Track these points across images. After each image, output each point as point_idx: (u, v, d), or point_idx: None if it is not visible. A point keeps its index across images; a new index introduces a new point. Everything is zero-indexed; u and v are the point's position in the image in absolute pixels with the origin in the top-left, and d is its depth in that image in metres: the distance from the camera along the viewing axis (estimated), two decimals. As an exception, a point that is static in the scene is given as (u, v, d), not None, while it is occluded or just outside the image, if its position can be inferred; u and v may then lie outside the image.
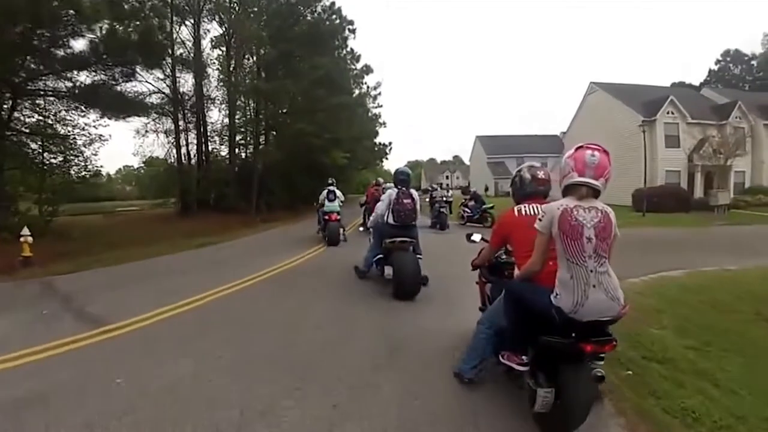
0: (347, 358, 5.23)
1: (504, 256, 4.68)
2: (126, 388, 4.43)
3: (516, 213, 3.99)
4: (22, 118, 18.92)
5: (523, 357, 3.57)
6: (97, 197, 48.97)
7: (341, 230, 15.50)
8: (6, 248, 11.93)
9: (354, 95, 33.59)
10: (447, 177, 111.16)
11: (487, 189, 48.86)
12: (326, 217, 15.20)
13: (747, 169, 36.33)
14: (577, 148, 3.24)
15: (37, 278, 9.98)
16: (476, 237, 5.66)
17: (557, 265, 3.17)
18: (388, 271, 7.96)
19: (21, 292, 8.83)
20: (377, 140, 55.62)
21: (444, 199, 21.04)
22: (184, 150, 29.71)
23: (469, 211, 21.64)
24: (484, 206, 21.15)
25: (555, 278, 3.16)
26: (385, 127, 54.30)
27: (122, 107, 21.25)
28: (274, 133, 32.30)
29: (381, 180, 20.14)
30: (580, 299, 2.99)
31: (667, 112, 34.83)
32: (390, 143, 60.96)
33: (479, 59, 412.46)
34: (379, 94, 41.51)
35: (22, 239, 11.62)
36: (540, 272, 3.38)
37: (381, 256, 8.43)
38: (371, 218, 9.23)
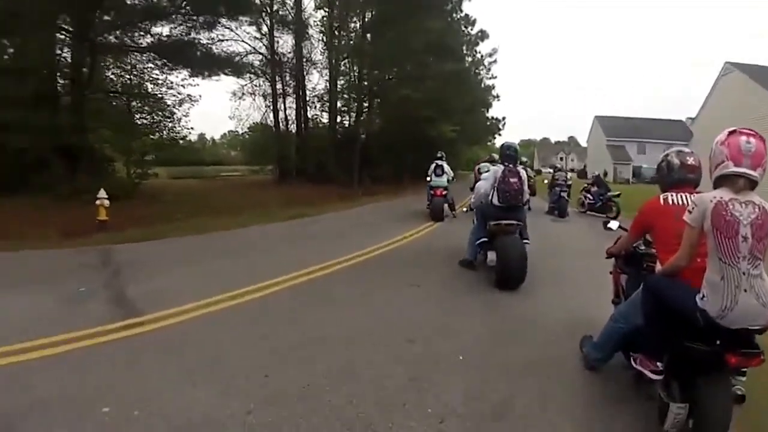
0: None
1: (643, 247, 4.23)
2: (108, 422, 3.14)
3: (662, 201, 3.60)
4: (110, 77, 18.42)
5: (658, 363, 3.23)
6: (202, 161, 50.13)
7: (447, 206, 14.79)
8: (89, 211, 11.12)
9: (467, 63, 30.60)
10: (561, 159, 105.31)
11: (606, 174, 44.49)
12: (432, 192, 14.67)
13: None
14: (730, 133, 2.88)
15: (101, 245, 9.08)
16: (613, 224, 5.15)
17: (705, 262, 2.84)
18: (491, 256, 7.33)
19: (75, 260, 7.90)
20: (489, 114, 51.84)
21: (566, 182, 18.44)
22: (282, 115, 28.69)
23: (591, 197, 18.77)
24: (609, 193, 18.18)
25: (702, 277, 2.83)
26: (498, 100, 50.22)
27: (210, 64, 20.13)
28: (378, 101, 30.40)
29: (495, 156, 18.05)
30: (729, 303, 2.66)
31: None
32: (504, 118, 55.38)
33: (602, 33, 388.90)
34: (494, 62, 37.84)
35: (98, 202, 10.83)
36: (686, 269, 3.03)
37: (485, 239, 7.64)
38: (473, 198, 8.74)
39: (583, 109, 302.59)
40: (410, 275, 7.53)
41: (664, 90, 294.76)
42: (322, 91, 29.79)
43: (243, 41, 24.91)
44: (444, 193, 14.47)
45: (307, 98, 29.45)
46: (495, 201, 7.37)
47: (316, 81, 43.30)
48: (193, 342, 4.54)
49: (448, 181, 14.85)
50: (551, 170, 30.57)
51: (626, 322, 3.78)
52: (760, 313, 2.69)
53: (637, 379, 3.70)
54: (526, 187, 7.54)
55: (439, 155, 15.54)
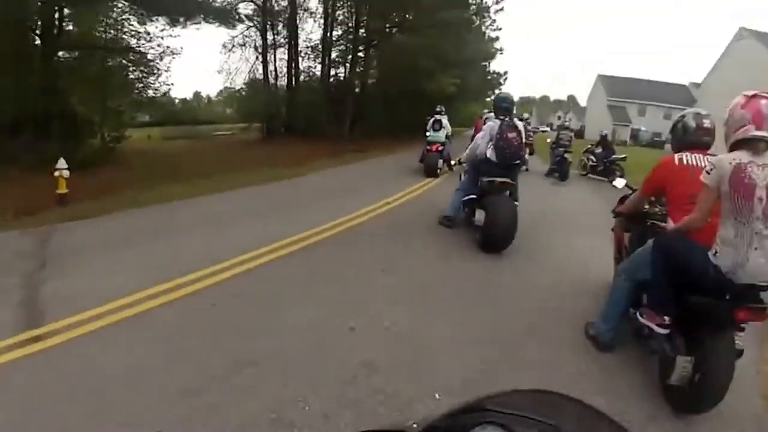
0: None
1: (647, 206, 4.31)
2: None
3: (677, 161, 3.58)
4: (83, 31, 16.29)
5: (666, 318, 3.25)
6: (197, 120, 47.71)
7: (443, 162, 14.38)
8: (53, 182, 9.47)
9: (470, 10, 28.10)
10: (559, 118, 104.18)
11: (605, 135, 42.72)
12: (428, 148, 14.22)
13: None
14: (751, 97, 2.91)
15: (48, 224, 7.60)
16: (619, 182, 5.29)
17: (716, 221, 2.96)
18: (479, 216, 6.93)
19: (11, 246, 6.40)
20: (491, 68, 49.56)
21: (570, 142, 16.73)
22: (272, 68, 26.70)
23: (594, 160, 17.13)
24: (614, 156, 16.45)
25: (712, 235, 2.97)
26: (501, 53, 47.15)
27: (190, 11, 17.89)
28: (375, 51, 28.16)
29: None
30: (741, 260, 2.79)
31: None
32: (505, 72, 52.47)
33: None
34: (501, 10, 34.61)
35: (56, 173, 9.17)
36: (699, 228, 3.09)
37: (473, 196, 7.35)
38: (466, 152, 8.13)
39: (586, 69, 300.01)
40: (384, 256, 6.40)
41: (669, 48, 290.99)
42: (317, 42, 27.77)
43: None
44: (440, 148, 14.08)
45: (300, 49, 27.42)
46: (492, 157, 6.88)
47: (310, 30, 40.25)
48: (77, 368, 3.35)
49: (447, 137, 14.34)
50: (547, 128, 29.06)
51: (631, 278, 3.79)
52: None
53: (638, 333, 3.68)
54: (524, 141, 7.25)
55: (438, 109, 14.79)
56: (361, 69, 27.72)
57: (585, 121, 71.31)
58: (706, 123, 3.71)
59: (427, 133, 14.29)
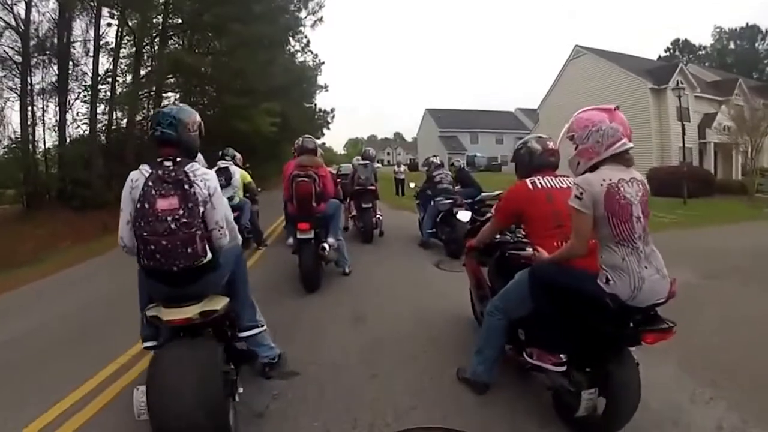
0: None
1: (497, 236, 4.18)
2: None
3: (530, 186, 3.52)
4: None
5: (561, 356, 3.12)
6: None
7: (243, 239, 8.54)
8: None
9: (280, 24, 22.61)
10: (388, 154, 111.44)
11: (461, 167, 38.82)
12: None
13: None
14: (614, 110, 2.90)
15: None
16: (464, 215, 5.49)
17: (596, 246, 2.81)
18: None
19: None
20: (316, 104, 45.56)
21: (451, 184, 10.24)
22: (40, 115, 18.60)
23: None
24: (483, 194, 9.99)
25: (593, 259, 2.80)
26: (327, 90, 43.58)
27: None
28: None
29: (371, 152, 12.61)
30: (637, 283, 2.67)
31: (677, 82, 29.24)
32: (333, 110, 49.42)
33: (425, 34, 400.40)
34: (320, 20, 29.12)
35: None
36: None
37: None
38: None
39: (409, 107, 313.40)
40: None
41: (493, 85, 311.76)
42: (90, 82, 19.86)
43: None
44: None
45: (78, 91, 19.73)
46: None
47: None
48: None
49: (244, 196, 9.48)
50: (396, 165, 25.08)
51: (507, 316, 3.50)
52: (663, 286, 2.73)
53: (523, 368, 3.60)
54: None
55: (223, 153, 9.83)
56: (152, 109, 21.04)
57: (417, 155, 72.40)
58: (550, 144, 3.73)
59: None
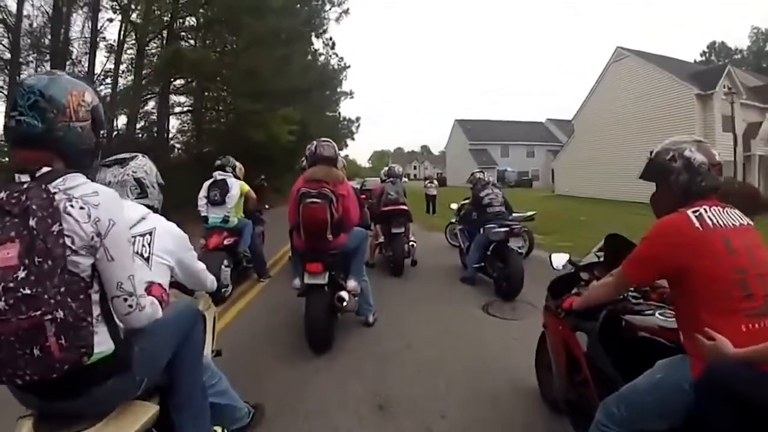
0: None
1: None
2: None
3: (695, 221, 2.08)
4: None
5: None
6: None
7: (229, 268, 7.19)
8: None
9: (300, 16, 20.67)
10: (415, 168, 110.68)
11: (490, 182, 35.50)
12: (203, 243, 7.04)
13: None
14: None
15: None
16: (560, 258, 3.40)
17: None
18: None
19: None
20: (340, 112, 43.69)
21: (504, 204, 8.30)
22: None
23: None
24: (515, 214, 8.50)
25: None
26: (352, 97, 41.67)
27: None
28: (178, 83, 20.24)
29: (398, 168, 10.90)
30: None
31: (724, 86, 26.81)
32: (358, 118, 47.89)
33: (454, 44, 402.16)
34: (346, 12, 27.42)
35: None
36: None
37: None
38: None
39: (436, 120, 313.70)
40: None
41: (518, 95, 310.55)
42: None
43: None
44: (227, 242, 7.21)
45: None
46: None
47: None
48: None
49: (241, 215, 7.68)
50: (427, 180, 23.26)
51: (630, 427, 2.16)
52: None
53: None
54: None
55: (220, 162, 7.81)
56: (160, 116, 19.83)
57: (446, 169, 71.59)
58: (716, 155, 2.31)
59: (200, 210, 7.41)
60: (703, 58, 71.20)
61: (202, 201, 7.33)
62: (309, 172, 4.95)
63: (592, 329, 2.69)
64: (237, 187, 7.42)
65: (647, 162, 2.46)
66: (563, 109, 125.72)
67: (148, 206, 2.56)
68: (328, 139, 5.40)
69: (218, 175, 7.41)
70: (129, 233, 1.91)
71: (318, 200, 4.61)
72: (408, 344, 5.14)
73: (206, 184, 7.42)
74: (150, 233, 2.36)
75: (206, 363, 2.63)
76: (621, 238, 3.09)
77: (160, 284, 2.30)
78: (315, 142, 5.30)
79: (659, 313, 2.51)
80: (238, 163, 8.02)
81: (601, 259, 3.15)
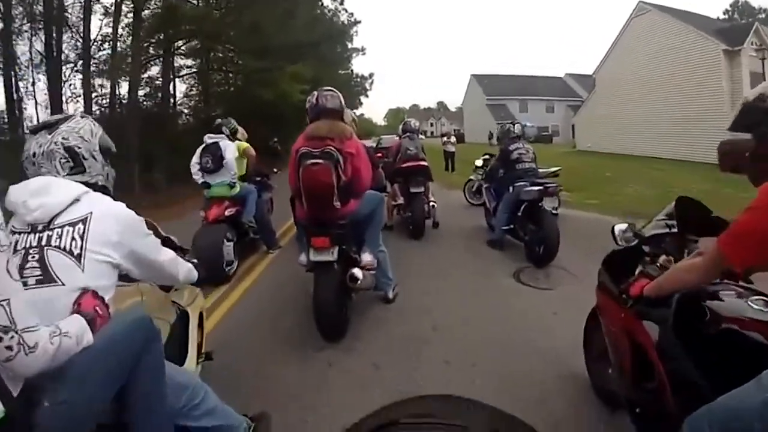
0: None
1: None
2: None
3: None
4: None
5: None
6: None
7: (232, 243, 6.36)
8: None
9: None
10: (432, 125, 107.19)
11: (491, 136, 34.43)
12: (204, 214, 6.36)
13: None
14: None
15: None
16: (623, 230, 2.78)
17: None
18: None
19: None
20: (353, 69, 41.94)
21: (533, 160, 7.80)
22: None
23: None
24: (540, 170, 7.79)
25: None
26: (364, 54, 40.11)
27: None
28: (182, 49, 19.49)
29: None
30: None
31: (752, 43, 25.68)
32: (371, 75, 45.44)
33: None
34: None
35: None
36: None
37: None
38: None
39: (452, 76, 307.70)
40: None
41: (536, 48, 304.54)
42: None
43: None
44: (228, 213, 6.40)
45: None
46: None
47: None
48: None
49: (243, 179, 7.05)
50: (445, 136, 22.78)
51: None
52: None
53: None
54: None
55: (218, 122, 7.12)
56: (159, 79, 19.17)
57: (463, 124, 69.82)
58: None
59: (195, 177, 6.68)
60: (726, 17, 68.89)
61: (194, 168, 6.64)
62: (310, 128, 4.26)
63: (664, 318, 2.13)
64: (232, 148, 6.67)
65: (740, 109, 1.97)
66: (581, 64, 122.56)
67: (86, 184, 1.90)
68: (331, 88, 4.64)
69: (208, 139, 6.65)
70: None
71: (321, 161, 3.94)
72: (434, 326, 4.54)
73: (199, 150, 6.71)
74: (83, 221, 1.76)
75: (185, 381, 2.08)
76: (694, 201, 2.55)
77: (94, 292, 1.69)
78: (316, 93, 4.53)
79: (753, 300, 1.93)
80: (240, 128, 7.37)
81: (674, 229, 2.53)
